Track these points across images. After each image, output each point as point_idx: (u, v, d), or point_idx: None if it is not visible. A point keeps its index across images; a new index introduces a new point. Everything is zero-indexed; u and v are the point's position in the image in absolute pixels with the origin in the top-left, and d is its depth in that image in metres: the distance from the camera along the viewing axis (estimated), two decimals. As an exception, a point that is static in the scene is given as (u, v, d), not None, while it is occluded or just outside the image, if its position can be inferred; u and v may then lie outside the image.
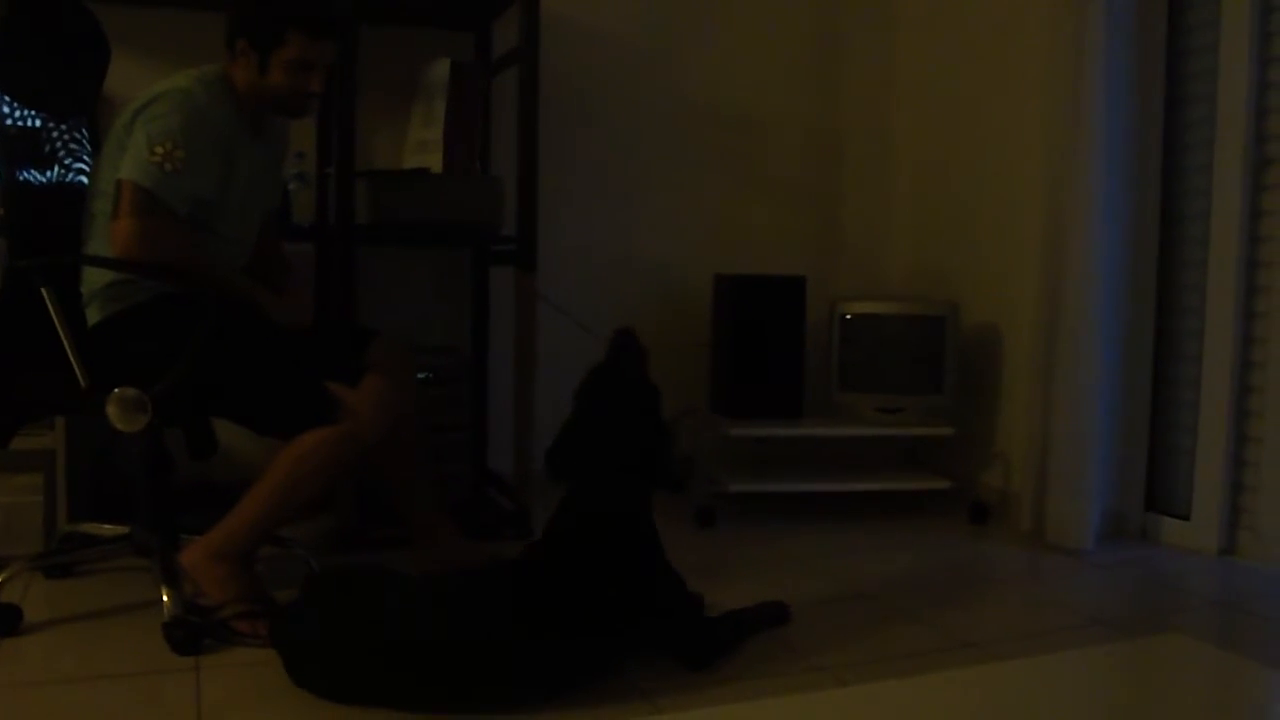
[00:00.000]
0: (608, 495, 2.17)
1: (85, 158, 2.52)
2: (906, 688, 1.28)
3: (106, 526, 2.56)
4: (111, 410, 2.17)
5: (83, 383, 2.19)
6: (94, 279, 2.33)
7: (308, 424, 2.27)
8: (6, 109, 2.25)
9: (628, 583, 2.10)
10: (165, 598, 2.21)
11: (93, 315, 2.33)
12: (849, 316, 3.53)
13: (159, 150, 2.24)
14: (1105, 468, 3.13)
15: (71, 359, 2.18)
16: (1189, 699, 1.25)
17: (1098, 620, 2.53)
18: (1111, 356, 3.11)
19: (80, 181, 2.48)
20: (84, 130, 2.54)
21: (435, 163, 3.07)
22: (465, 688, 1.92)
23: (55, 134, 2.44)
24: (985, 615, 2.58)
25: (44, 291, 2.16)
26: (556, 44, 3.50)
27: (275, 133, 2.63)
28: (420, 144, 3.19)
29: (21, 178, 2.30)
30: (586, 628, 2.01)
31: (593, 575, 2.06)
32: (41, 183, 2.37)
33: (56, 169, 2.43)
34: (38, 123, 2.37)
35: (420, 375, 3.11)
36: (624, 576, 2.10)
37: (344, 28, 2.68)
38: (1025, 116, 3.41)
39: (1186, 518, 3.10)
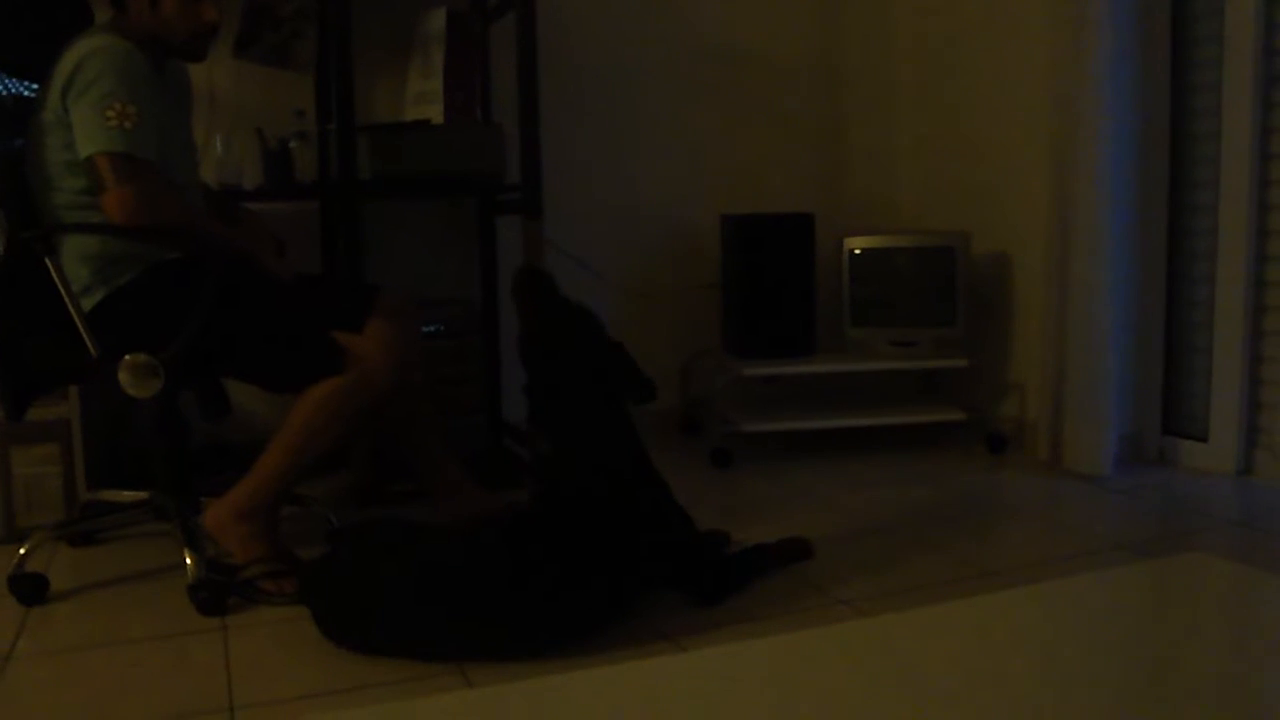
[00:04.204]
0: (587, 438, 2.14)
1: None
2: (929, 616, 1.27)
3: (126, 493, 2.57)
4: (124, 377, 2.17)
5: (93, 351, 2.18)
6: (77, 273, 2.25)
7: (315, 375, 2.27)
8: (-1, 80, 2.23)
9: (626, 525, 2.09)
10: (188, 560, 2.22)
11: (89, 303, 2.26)
12: (858, 252, 3.50)
13: (111, 114, 2.15)
14: (1121, 392, 3.12)
15: (80, 328, 2.18)
16: (1214, 615, 1.25)
17: (1119, 545, 2.53)
18: (1123, 280, 3.08)
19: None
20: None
21: (436, 114, 3.04)
22: (489, 633, 1.93)
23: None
24: (1006, 544, 2.58)
25: (48, 262, 2.15)
26: (552, -12, 3.45)
27: (178, 77, 2.51)
28: (420, 95, 3.16)
29: (17, 145, 2.28)
30: (597, 569, 2.02)
31: (593, 522, 2.06)
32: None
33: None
34: (29, 92, 2.34)
35: (430, 328, 3.10)
36: (622, 520, 2.09)
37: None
38: (1028, 39, 3.36)
39: (1204, 440, 3.09)
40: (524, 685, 1.26)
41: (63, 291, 2.17)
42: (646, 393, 2.21)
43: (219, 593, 2.19)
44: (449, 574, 1.93)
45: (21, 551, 2.31)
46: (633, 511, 2.12)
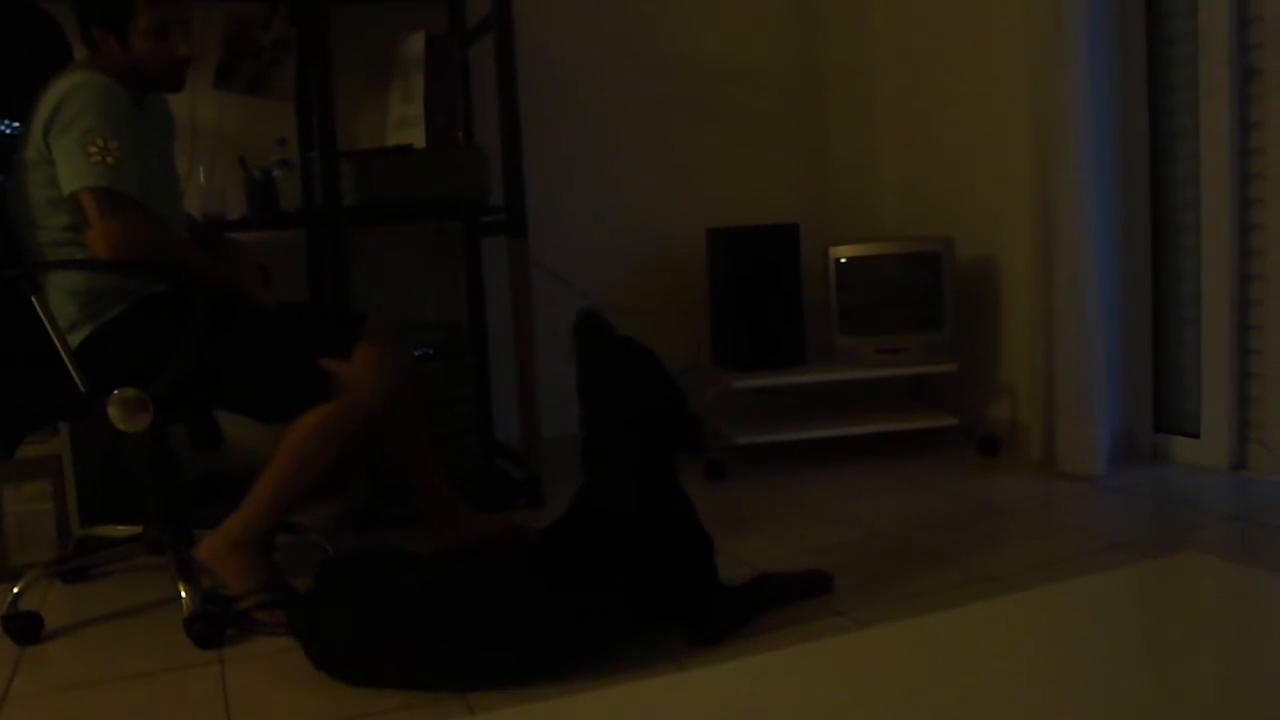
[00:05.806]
0: (626, 491, 2.10)
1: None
2: (927, 626, 1.27)
3: (119, 527, 2.56)
4: (113, 412, 2.16)
5: (81, 387, 2.18)
6: (64, 309, 2.25)
7: (305, 404, 2.27)
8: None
9: (642, 566, 2.06)
10: (183, 593, 2.21)
11: (76, 338, 2.26)
12: (843, 260, 3.51)
13: (93, 149, 2.15)
14: (1112, 391, 3.12)
15: (68, 364, 2.17)
16: (1211, 615, 1.25)
17: (1116, 544, 2.53)
18: (1109, 278, 3.09)
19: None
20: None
21: (418, 138, 3.04)
22: (479, 662, 1.92)
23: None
24: (1004, 548, 2.58)
25: (34, 299, 2.15)
26: (530, 8, 3.46)
27: (159, 110, 2.50)
28: (401, 120, 3.16)
29: None
30: (603, 597, 2.01)
31: (609, 560, 2.04)
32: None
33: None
34: (10, 130, 2.34)
35: (419, 351, 3.10)
36: (644, 547, 2.06)
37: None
38: (1007, 42, 3.37)
39: (1196, 435, 3.10)
40: (525, 709, 1.25)
41: (49, 328, 2.16)
42: (694, 446, 2.17)
43: (215, 625, 2.18)
44: (435, 606, 1.92)
45: (15, 590, 2.29)
46: (656, 541, 2.08)
